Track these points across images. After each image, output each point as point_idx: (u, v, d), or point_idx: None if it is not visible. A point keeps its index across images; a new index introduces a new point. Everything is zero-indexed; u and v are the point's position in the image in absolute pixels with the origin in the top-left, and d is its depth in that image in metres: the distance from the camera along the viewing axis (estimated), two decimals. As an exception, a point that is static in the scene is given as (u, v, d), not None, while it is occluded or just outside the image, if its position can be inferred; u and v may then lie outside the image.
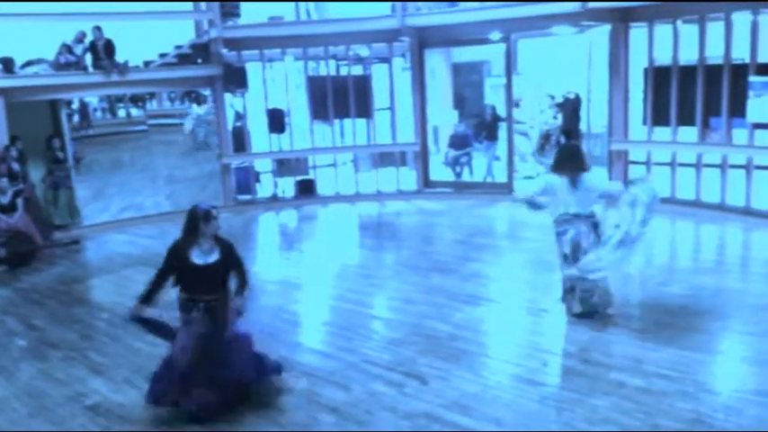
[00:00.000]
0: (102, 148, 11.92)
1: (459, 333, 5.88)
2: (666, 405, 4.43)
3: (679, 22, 9.66)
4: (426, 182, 12.41)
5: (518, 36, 11.31)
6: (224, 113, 12.01)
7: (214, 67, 11.58)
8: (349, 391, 4.93)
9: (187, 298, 4.64)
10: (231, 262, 4.73)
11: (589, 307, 5.94)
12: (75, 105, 11.79)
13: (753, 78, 8.86)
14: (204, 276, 4.61)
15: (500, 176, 12.02)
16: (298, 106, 12.48)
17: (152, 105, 12.54)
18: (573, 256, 5.86)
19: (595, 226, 5.91)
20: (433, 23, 11.58)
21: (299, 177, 12.61)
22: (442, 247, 9.33)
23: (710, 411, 4.34)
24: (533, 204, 6.11)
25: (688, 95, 9.70)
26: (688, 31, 9.62)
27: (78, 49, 10.90)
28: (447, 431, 4.33)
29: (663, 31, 9.87)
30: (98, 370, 5.58)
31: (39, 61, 10.74)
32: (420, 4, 11.76)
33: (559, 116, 12.13)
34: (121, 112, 12.43)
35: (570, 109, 11.87)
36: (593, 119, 11.36)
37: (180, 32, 12.08)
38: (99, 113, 12.42)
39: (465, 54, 13.60)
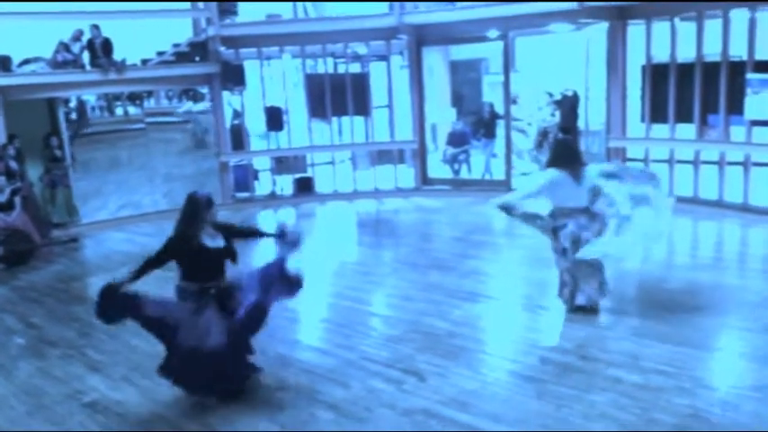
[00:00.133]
0: (99, 146, 11.90)
1: (457, 330, 5.88)
2: (664, 401, 4.44)
3: (677, 20, 9.67)
4: (424, 179, 12.42)
5: (516, 34, 11.30)
6: (222, 111, 12.01)
7: (212, 65, 11.58)
8: (348, 387, 4.93)
9: (199, 286, 4.64)
10: (237, 234, 4.88)
11: (591, 301, 5.96)
12: (73, 104, 11.79)
13: (750, 75, 8.88)
14: (217, 261, 4.70)
15: (498, 174, 12.04)
16: (296, 104, 12.48)
17: (150, 103, 12.52)
18: (573, 249, 5.87)
19: (594, 217, 5.90)
20: (430, 21, 11.58)
21: (298, 175, 12.61)
22: (441, 245, 9.34)
23: (707, 407, 4.35)
24: (509, 209, 6.08)
25: (686, 93, 9.71)
26: (686, 28, 9.63)
27: (76, 48, 10.89)
28: (445, 429, 4.34)
29: (660, 28, 9.89)
30: (96, 368, 5.59)
31: (36, 59, 10.73)
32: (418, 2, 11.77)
33: (557, 113, 12.12)
34: (119, 111, 12.41)
35: (568, 106, 11.86)
36: (591, 116, 11.36)
37: (178, 31, 12.07)
38: (97, 112, 12.40)
39: (463, 52, 13.60)
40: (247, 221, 11.15)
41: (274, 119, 12.18)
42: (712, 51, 9.35)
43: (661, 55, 10.00)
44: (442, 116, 13.39)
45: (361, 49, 12.30)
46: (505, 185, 11.46)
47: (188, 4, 11.87)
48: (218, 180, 12.02)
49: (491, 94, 12.97)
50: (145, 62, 11.56)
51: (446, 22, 11.39)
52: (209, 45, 11.57)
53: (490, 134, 12.28)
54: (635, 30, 10.25)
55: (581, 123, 11.67)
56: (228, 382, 4.76)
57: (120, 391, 5.12)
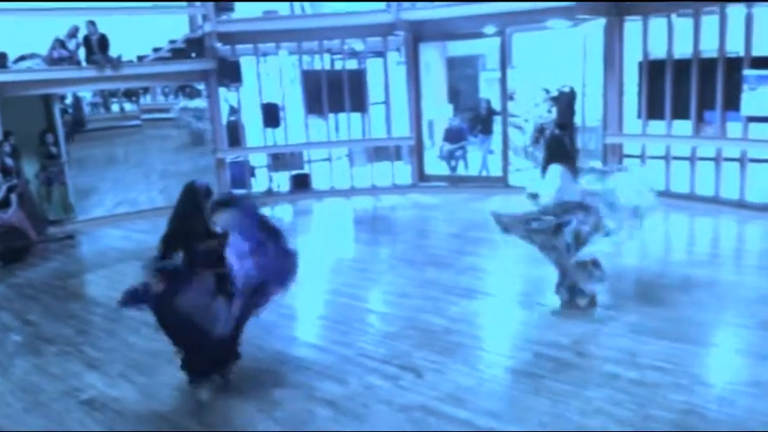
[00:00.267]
0: (95, 143, 11.87)
1: (454, 326, 5.89)
2: (660, 397, 4.46)
3: (673, 16, 9.67)
4: (421, 176, 12.41)
5: (513, 30, 11.30)
6: (218, 108, 11.98)
7: (208, 61, 11.55)
8: (345, 384, 4.94)
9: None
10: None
11: (590, 292, 6.01)
12: (69, 100, 11.75)
13: (747, 72, 8.88)
14: (224, 248, 4.71)
15: (495, 170, 12.04)
16: (292, 101, 12.46)
17: (146, 100, 12.49)
18: (576, 246, 5.89)
19: (588, 210, 5.90)
20: (427, 17, 11.56)
21: (294, 172, 12.60)
22: (438, 241, 9.35)
23: (703, 403, 4.37)
24: (535, 196, 6.15)
25: (682, 89, 9.72)
26: (682, 24, 9.63)
27: (72, 44, 10.84)
28: (443, 425, 4.34)
29: (657, 24, 9.89)
30: (93, 365, 5.58)
31: (32, 56, 10.69)
32: (415, -1, 11.76)
33: (554, 110, 12.12)
34: (115, 107, 12.38)
35: (565, 102, 11.86)
36: (588, 112, 11.37)
37: (174, 27, 12.03)
38: (92, 108, 12.37)
39: (460, 48, 13.57)
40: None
41: (271, 115, 12.16)
42: (709, 48, 9.36)
43: (658, 51, 10.00)
44: (439, 112, 13.37)
45: (357, 45, 12.27)
46: (502, 182, 11.47)
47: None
48: (215, 177, 11.99)
49: (488, 91, 12.95)
50: (141, 58, 11.52)
51: (443, 18, 11.38)
52: (206, 41, 11.53)
53: (487, 130, 12.27)
54: (632, 26, 10.25)
55: (578, 120, 11.68)
56: (217, 367, 4.85)
57: (118, 388, 5.11)
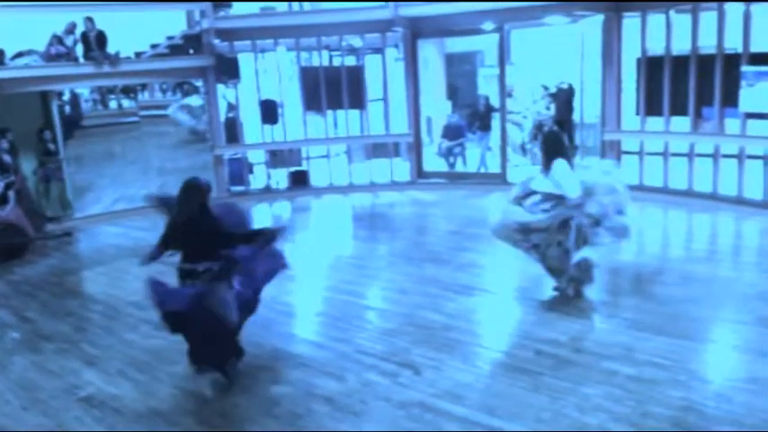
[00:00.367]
0: (93, 139, 11.86)
1: (452, 323, 5.89)
2: (658, 393, 4.46)
3: (672, 12, 9.66)
4: (420, 172, 12.41)
5: (511, 26, 11.29)
6: (216, 104, 11.96)
7: (206, 57, 11.52)
8: (343, 381, 4.94)
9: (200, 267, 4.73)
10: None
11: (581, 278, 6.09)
12: (67, 97, 11.72)
13: (745, 68, 8.88)
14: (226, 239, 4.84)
15: (493, 167, 12.04)
16: (290, 97, 12.44)
17: (144, 96, 12.47)
18: (578, 243, 5.90)
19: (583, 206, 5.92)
20: (426, 14, 11.54)
21: (293, 168, 12.59)
22: (436, 238, 9.35)
23: (701, 399, 4.37)
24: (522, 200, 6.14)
25: (681, 85, 9.71)
26: (681, 20, 9.63)
27: (69, 41, 10.82)
28: (441, 421, 4.35)
29: (656, 20, 9.88)
30: (92, 362, 5.58)
31: (29, 52, 10.65)
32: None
33: (552, 106, 12.12)
34: (113, 104, 12.36)
35: (563, 99, 11.86)
36: (587, 109, 11.37)
37: (172, 23, 12.01)
38: (90, 104, 12.36)
39: (458, 44, 13.57)
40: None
41: (269, 112, 12.14)
42: (707, 44, 9.35)
43: (656, 47, 9.99)
44: (438, 109, 13.37)
45: (356, 41, 12.26)
46: (501, 178, 11.47)
47: (182, -3, 11.80)
48: (213, 173, 11.97)
49: (486, 87, 12.94)
50: (138, 55, 11.49)
51: (441, 14, 11.34)
52: (204, 38, 11.50)
53: (485, 127, 12.26)
54: (630, 22, 10.24)
55: (576, 116, 11.68)
56: (221, 357, 4.88)
57: (116, 385, 5.11)
